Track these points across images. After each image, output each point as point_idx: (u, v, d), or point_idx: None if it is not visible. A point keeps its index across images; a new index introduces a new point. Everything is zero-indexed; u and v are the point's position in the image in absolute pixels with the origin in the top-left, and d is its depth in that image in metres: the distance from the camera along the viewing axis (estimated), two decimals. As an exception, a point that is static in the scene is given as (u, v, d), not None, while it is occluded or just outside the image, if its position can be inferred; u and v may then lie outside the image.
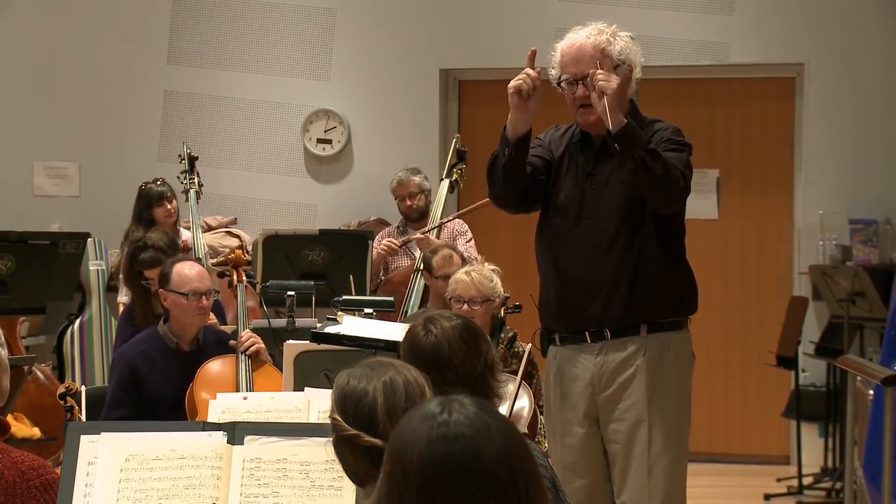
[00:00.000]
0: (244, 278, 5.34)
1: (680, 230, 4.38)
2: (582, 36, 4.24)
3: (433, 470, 1.93)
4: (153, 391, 5.04)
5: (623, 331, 4.25)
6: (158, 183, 7.52)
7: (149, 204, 7.43)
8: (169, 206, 7.42)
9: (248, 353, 5.00)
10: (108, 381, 5.31)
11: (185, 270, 5.16)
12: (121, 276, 7.32)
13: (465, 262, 6.13)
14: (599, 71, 4.11)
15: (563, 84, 4.26)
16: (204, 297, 5.13)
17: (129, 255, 5.95)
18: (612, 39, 4.24)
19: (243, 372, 4.94)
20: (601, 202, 4.27)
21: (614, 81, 4.09)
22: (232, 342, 5.07)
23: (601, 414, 4.29)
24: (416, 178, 7.62)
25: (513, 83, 4.14)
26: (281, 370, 5.13)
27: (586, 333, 4.28)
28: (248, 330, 5.09)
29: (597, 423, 4.30)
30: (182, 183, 7.57)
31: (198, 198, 7.53)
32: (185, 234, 7.40)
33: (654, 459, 4.22)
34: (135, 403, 5.02)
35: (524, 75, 4.14)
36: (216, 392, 4.89)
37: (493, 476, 1.93)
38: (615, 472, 4.27)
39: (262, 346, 5.08)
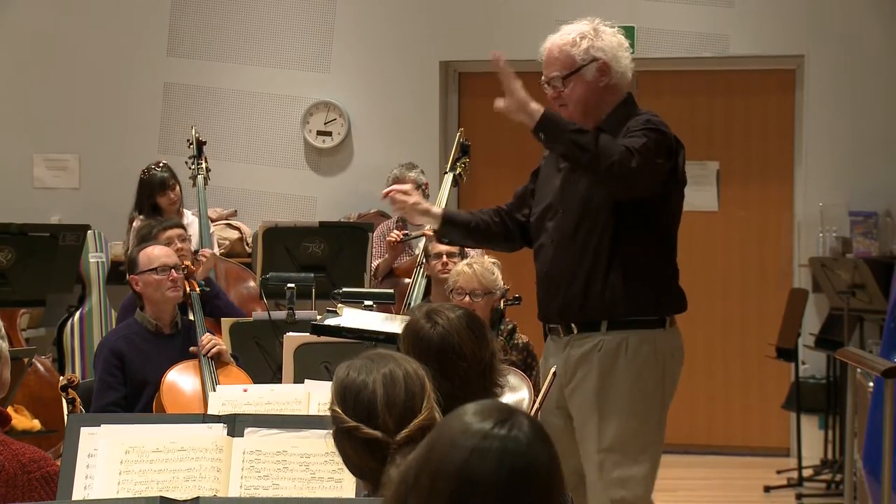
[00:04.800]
0: (196, 288, 5.41)
1: (659, 230, 4.30)
2: (556, 37, 4.29)
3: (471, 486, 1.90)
4: (138, 374, 5.10)
5: (587, 326, 4.26)
6: (160, 168, 7.42)
7: (151, 194, 7.35)
8: (172, 195, 7.34)
9: (209, 355, 5.05)
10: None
11: (151, 251, 5.32)
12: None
13: (464, 255, 6.13)
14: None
15: (545, 86, 4.33)
16: (173, 270, 5.23)
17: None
18: (577, 40, 4.25)
19: (208, 374, 4.98)
20: (573, 198, 4.28)
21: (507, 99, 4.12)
22: (193, 348, 5.12)
23: (568, 407, 4.31)
24: (412, 174, 7.54)
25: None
26: (272, 366, 5.15)
27: (559, 327, 4.31)
28: (207, 333, 5.15)
29: (564, 417, 4.32)
30: (190, 168, 7.55)
31: (205, 183, 7.51)
32: (189, 218, 7.37)
33: (605, 455, 4.19)
34: (123, 386, 5.08)
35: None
36: (183, 398, 4.93)
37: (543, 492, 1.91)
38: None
39: (223, 347, 5.13)
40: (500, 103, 4.13)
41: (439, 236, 4.66)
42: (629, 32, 8.73)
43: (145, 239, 6.02)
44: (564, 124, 4.09)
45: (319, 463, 3.20)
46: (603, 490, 4.17)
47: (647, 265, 4.26)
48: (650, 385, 4.23)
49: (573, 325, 4.27)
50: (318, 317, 4.44)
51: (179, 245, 6.04)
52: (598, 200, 4.21)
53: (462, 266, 5.47)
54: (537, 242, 4.38)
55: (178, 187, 7.38)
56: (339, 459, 2.70)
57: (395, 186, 4.60)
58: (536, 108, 4.08)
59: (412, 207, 4.52)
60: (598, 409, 4.21)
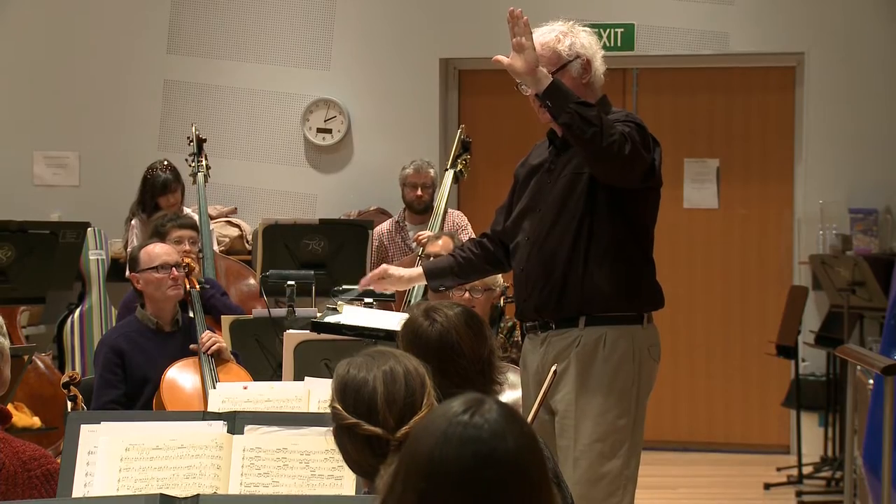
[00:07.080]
0: (196, 285, 5.41)
1: (636, 227, 4.27)
2: (535, 35, 4.24)
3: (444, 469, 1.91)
4: (139, 371, 5.12)
5: (565, 321, 4.23)
6: (165, 169, 7.46)
7: (153, 195, 7.41)
8: (172, 199, 7.39)
9: (209, 352, 5.06)
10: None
11: (152, 249, 5.35)
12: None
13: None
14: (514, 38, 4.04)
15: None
16: (174, 268, 5.25)
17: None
18: (560, 37, 4.24)
19: (208, 372, 4.99)
20: (549, 195, 4.26)
21: (527, 46, 4.00)
22: (193, 346, 5.13)
23: (550, 403, 4.29)
24: (432, 172, 7.73)
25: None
26: (272, 363, 5.15)
27: (536, 324, 4.29)
28: (207, 331, 5.16)
29: (547, 412, 4.31)
30: (190, 166, 7.56)
31: (205, 180, 7.53)
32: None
33: (582, 451, 4.16)
34: (124, 384, 5.08)
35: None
36: (183, 396, 4.93)
37: (507, 478, 1.91)
38: None
39: (223, 344, 5.14)
40: (504, 59, 4.03)
41: (433, 289, 4.69)
42: (629, 30, 8.77)
43: (157, 231, 6.08)
44: (571, 95, 4.04)
45: (319, 460, 3.21)
46: (579, 486, 4.15)
47: (624, 262, 4.23)
48: (627, 381, 4.20)
49: (550, 322, 4.25)
50: (319, 314, 4.44)
51: (187, 247, 6.05)
52: (582, 198, 4.20)
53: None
54: (514, 242, 4.35)
55: (179, 191, 7.42)
56: (339, 457, 2.70)
57: (371, 276, 4.57)
58: (545, 72, 4.04)
59: (396, 283, 4.54)
60: (576, 405, 4.19)
